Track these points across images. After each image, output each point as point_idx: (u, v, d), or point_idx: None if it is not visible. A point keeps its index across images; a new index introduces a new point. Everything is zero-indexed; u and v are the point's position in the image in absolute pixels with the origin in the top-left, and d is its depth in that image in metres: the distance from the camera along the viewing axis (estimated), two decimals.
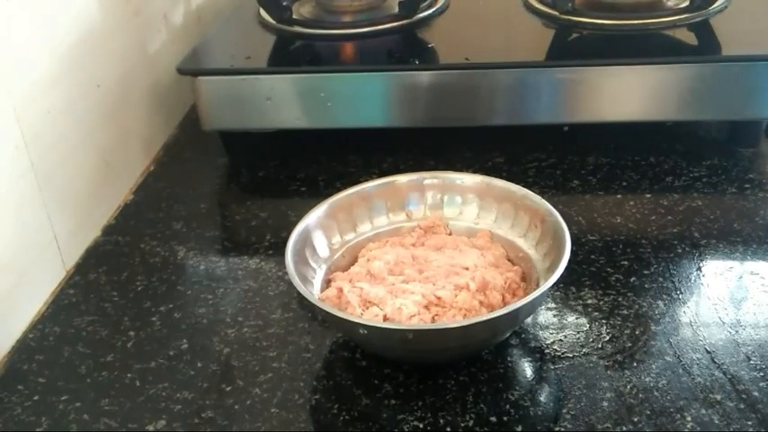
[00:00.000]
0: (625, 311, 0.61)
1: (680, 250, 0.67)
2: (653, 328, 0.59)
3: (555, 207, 0.61)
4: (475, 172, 0.70)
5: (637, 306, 0.61)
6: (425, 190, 0.67)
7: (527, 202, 0.63)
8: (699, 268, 0.65)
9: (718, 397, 0.53)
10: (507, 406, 0.54)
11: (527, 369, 0.57)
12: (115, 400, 0.56)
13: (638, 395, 0.54)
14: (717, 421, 0.51)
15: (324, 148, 0.84)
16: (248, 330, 0.61)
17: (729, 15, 0.84)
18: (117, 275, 0.68)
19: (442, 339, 0.54)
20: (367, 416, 0.54)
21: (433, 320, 0.55)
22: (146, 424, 0.54)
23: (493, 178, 0.66)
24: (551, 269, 0.56)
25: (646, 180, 0.76)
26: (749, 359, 0.56)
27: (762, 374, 0.54)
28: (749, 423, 0.51)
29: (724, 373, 0.55)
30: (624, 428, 0.51)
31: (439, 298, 0.56)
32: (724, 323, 0.59)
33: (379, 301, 0.57)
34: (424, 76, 0.79)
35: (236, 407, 0.55)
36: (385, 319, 0.55)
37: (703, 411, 0.52)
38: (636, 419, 0.52)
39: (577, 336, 0.59)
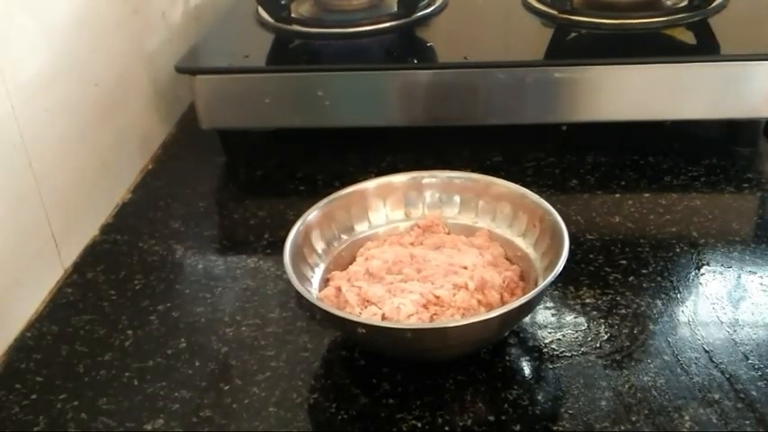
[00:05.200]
0: (623, 311, 0.61)
1: (678, 249, 0.67)
2: (651, 327, 0.59)
3: (553, 206, 0.61)
4: (473, 171, 0.70)
5: (635, 305, 0.61)
6: (424, 189, 0.67)
7: (526, 201, 0.63)
8: (697, 267, 0.65)
9: (716, 396, 0.53)
10: (506, 405, 0.54)
11: (525, 368, 0.57)
12: (113, 398, 0.56)
13: (636, 394, 0.54)
14: (715, 420, 0.51)
15: (322, 147, 0.84)
16: (246, 329, 0.61)
17: (728, 15, 0.84)
18: (115, 274, 0.68)
19: (441, 338, 0.54)
20: (365, 415, 0.54)
21: (432, 320, 0.55)
22: (144, 423, 0.54)
23: (491, 177, 0.66)
24: (550, 268, 0.56)
25: (644, 179, 0.76)
26: (747, 358, 0.56)
27: (760, 374, 0.55)
28: (747, 422, 0.51)
29: (722, 373, 0.55)
30: (622, 428, 0.51)
31: (437, 297, 0.56)
32: (722, 322, 0.59)
33: (378, 300, 0.56)
34: (423, 75, 0.79)
35: (235, 406, 0.55)
36: (383, 318, 0.55)
37: (701, 411, 0.52)
38: (634, 419, 0.52)
39: (576, 335, 0.59)
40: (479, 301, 0.56)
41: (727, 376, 0.55)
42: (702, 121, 0.82)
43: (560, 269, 0.55)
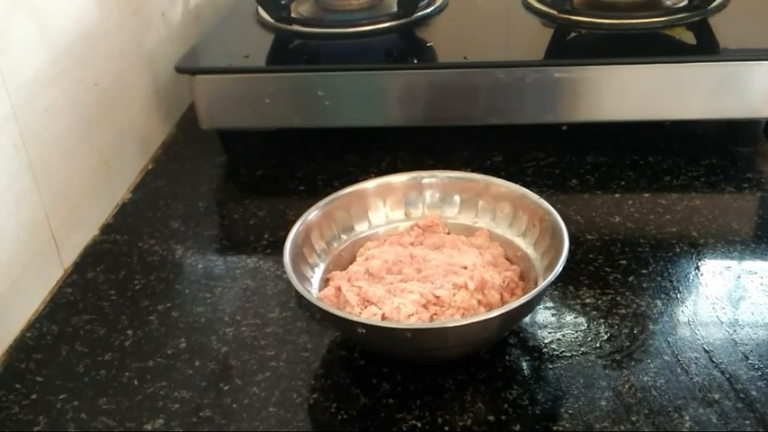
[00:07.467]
0: (623, 311, 0.61)
1: (678, 249, 0.67)
2: (651, 327, 0.59)
3: (553, 206, 0.61)
4: (473, 171, 0.70)
5: (635, 305, 0.61)
6: (424, 189, 0.67)
7: (526, 201, 0.63)
8: (697, 267, 0.65)
9: (716, 396, 0.53)
10: (505, 405, 0.54)
11: (525, 368, 0.57)
12: (113, 398, 0.56)
13: (636, 394, 0.54)
14: (715, 420, 0.51)
15: (322, 147, 0.84)
16: (246, 329, 0.61)
17: (728, 15, 0.84)
18: (115, 274, 0.68)
19: (441, 338, 0.54)
20: (365, 415, 0.54)
21: (432, 319, 0.55)
22: (144, 423, 0.54)
23: (491, 177, 0.66)
24: (550, 268, 0.56)
25: (644, 179, 0.76)
26: (747, 358, 0.56)
27: (759, 374, 0.55)
28: (747, 422, 0.51)
29: (722, 373, 0.55)
30: (622, 427, 0.51)
31: (437, 297, 0.56)
32: (722, 322, 0.59)
33: (378, 300, 0.56)
34: (423, 75, 0.79)
35: (234, 406, 0.55)
36: (383, 318, 0.55)
37: (701, 410, 0.52)
38: (634, 419, 0.52)
39: (576, 335, 0.59)
40: (479, 301, 0.56)
41: (727, 376, 0.55)
42: (702, 121, 0.82)
43: (560, 269, 0.55)
